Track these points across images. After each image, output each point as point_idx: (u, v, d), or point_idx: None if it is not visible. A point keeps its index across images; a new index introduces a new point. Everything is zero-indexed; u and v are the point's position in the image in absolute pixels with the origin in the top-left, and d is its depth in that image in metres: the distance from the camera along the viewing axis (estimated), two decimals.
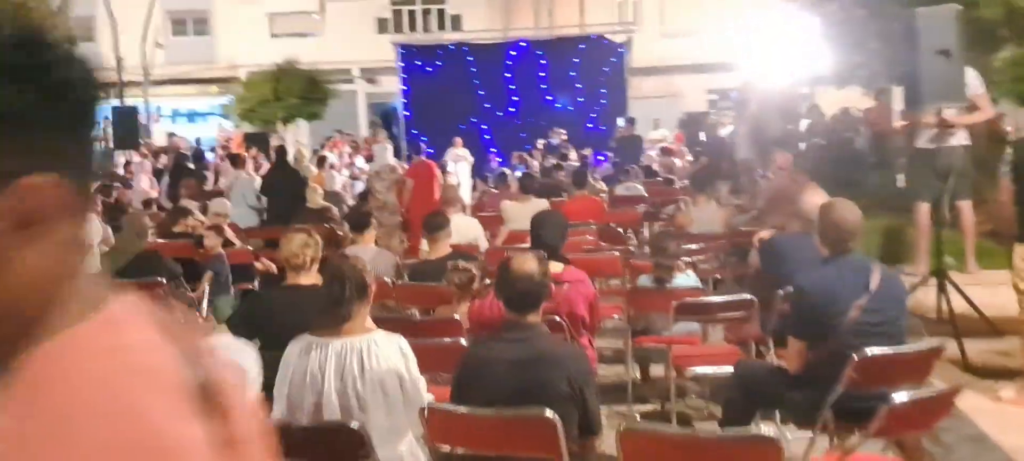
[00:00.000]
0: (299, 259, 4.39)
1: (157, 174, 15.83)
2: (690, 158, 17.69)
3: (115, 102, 22.01)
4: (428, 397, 3.37)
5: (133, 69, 31.36)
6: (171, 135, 21.15)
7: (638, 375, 6.38)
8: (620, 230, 9.24)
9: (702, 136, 17.53)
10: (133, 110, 17.48)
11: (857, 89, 15.22)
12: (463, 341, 4.06)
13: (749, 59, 18.00)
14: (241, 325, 4.26)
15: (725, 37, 30.60)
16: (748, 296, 5.29)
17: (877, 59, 14.58)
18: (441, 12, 33.95)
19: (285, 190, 11.43)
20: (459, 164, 20.06)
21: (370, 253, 6.15)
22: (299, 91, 26.68)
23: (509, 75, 22.74)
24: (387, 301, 6.04)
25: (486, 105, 22.75)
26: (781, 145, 10.73)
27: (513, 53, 23.04)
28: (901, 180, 12.68)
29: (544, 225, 4.78)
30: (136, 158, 17.07)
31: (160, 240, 9.16)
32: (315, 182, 13.00)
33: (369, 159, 15.95)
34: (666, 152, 18.25)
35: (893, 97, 15.86)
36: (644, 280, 5.92)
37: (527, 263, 3.18)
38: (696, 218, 8.36)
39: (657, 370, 6.30)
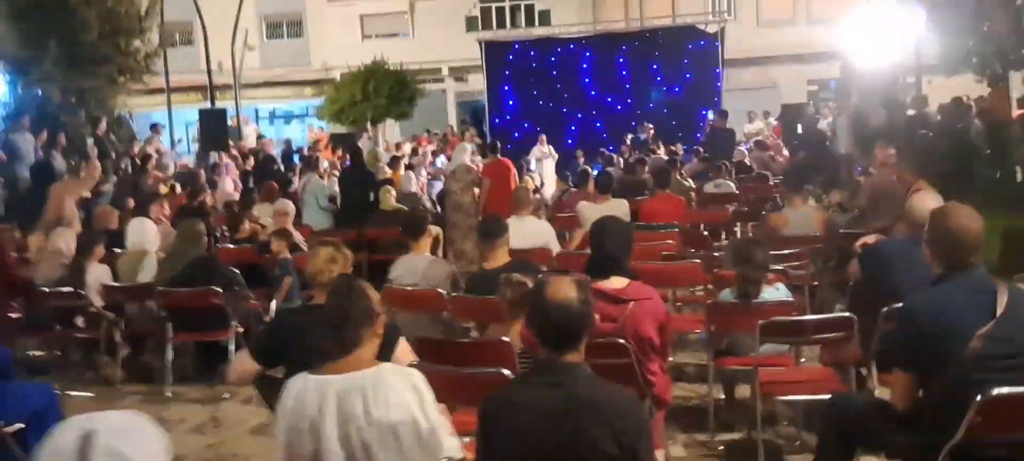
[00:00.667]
0: (325, 276, 3.95)
1: (245, 177, 15.84)
2: (787, 153, 16.72)
3: (205, 105, 22.41)
4: (453, 444, 2.85)
5: (229, 72, 32.14)
6: (260, 137, 21.23)
7: (722, 396, 5.75)
8: (706, 233, 8.55)
9: (799, 129, 16.52)
10: (221, 112, 17.62)
11: (969, 77, 14.07)
12: (506, 372, 3.53)
13: (851, 47, 16.93)
14: (264, 349, 3.84)
15: (825, 25, 29.33)
16: (846, 314, 4.61)
17: (991, 43, 13.45)
18: (529, 8, 33.62)
19: (358, 191, 11.13)
20: (544, 163, 19.58)
21: (423, 262, 5.70)
22: (388, 91, 26.73)
23: (596, 69, 22.10)
24: (442, 313, 5.58)
25: (573, 101, 22.16)
26: (884, 138, 9.83)
27: (601, 46, 22.37)
28: (1021, 174, 11.59)
29: (605, 233, 4.20)
30: (224, 160, 17.14)
31: (228, 245, 8.98)
32: (391, 183, 12.67)
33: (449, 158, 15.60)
34: (761, 146, 17.30)
35: (1011, 84, 14.70)
36: (726, 294, 5.27)
37: (564, 288, 2.62)
38: (791, 220, 7.62)
39: (744, 390, 5.66)
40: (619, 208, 8.98)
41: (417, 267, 5.68)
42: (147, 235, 7.20)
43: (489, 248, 5.38)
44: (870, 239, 5.13)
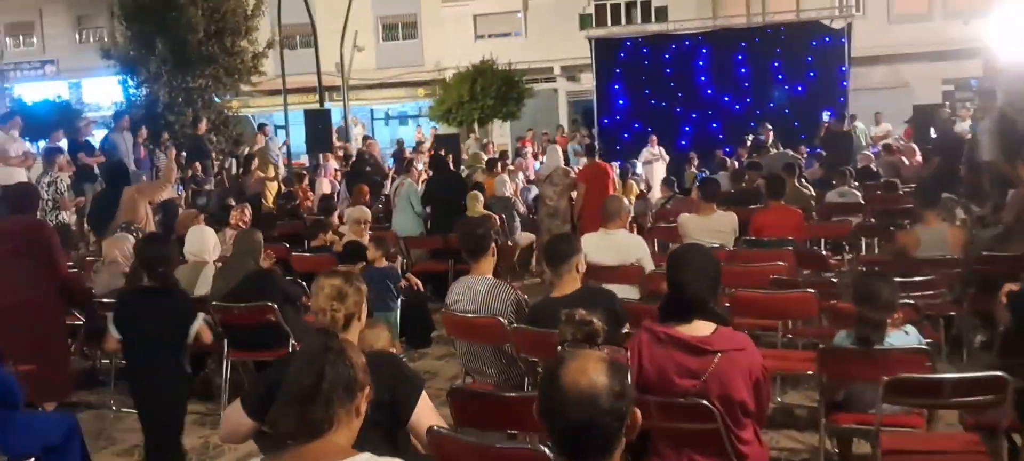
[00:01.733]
0: (327, 318, 3.28)
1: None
2: (920, 158, 15.26)
3: (311, 106, 22.50)
4: None
5: (354, 73, 32.43)
6: (366, 137, 21.05)
7: (836, 450, 4.84)
8: (826, 252, 7.53)
9: (933, 132, 15.01)
10: (325, 113, 17.46)
11: None
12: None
13: (995, 42, 15.31)
14: (256, 402, 3.20)
15: (963, 18, 27.20)
16: (996, 374, 3.65)
17: None
18: (646, 4, 32.60)
19: (445, 196, 10.55)
20: (653, 166, 18.61)
21: (485, 285, 4.99)
22: (495, 91, 26.34)
23: (713, 67, 20.89)
24: (504, 346, 4.87)
25: (687, 100, 21.02)
26: None
27: (718, 43, 21.15)
28: None
29: (683, 266, 3.39)
30: (325, 161, 16.96)
31: (306, 254, 8.53)
32: (486, 185, 12.07)
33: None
34: (889, 151, 15.86)
35: None
36: (843, 338, 4.35)
37: (589, 372, 1.85)
38: (923, 239, 6.57)
39: (864, 445, 4.73)
40: (726, 221, 8.09)
41: (477, 291, 4.98)
42: (207, 244, 6.77)
43: (555, 273, 4.63)
44: (1014, 287, 4.11)
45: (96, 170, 12.56)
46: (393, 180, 11.66)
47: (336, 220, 9.81)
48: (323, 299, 3.30)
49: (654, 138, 19.40)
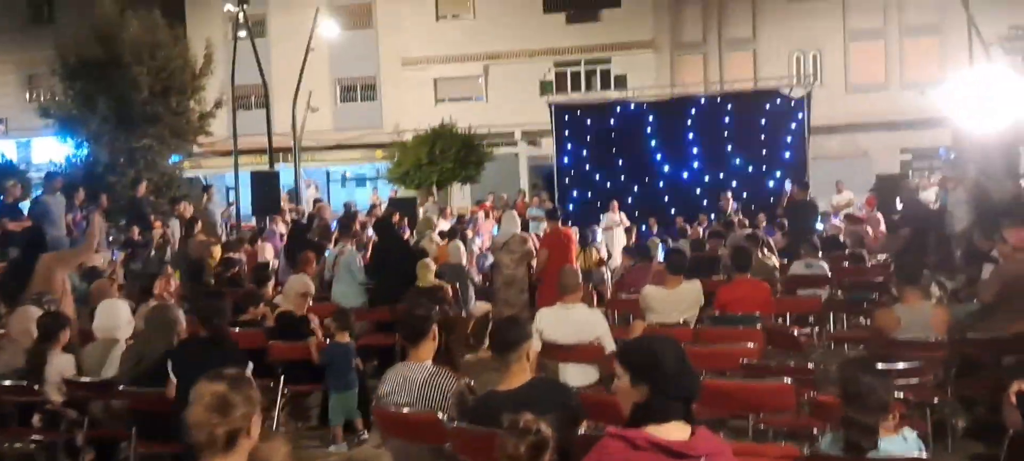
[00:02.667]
0: (204, 434, 2.62)
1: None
2: (883, 228, 15.00)
3: (281, 167, 21.88)
4: None
5: (310, 134, 31.85)
6: (316, 200, 20.38)
7: None
8: (796, 331, 7.03)
9: (899, 202, 14.77)
10: (272, 175, 16.82)
11: None
12: None
13: (957, 112, 15.25)
14: None
15: (919, 88, 27.51)
16: None
17: None
18: (606, 72, 32.78)
19: (392, 264, 9.91)
20: (613, 232, 18.16)
21: (423, 374, 4.36)
22: (455, 154, 25.93)
23: (670, 135, 20.69)
24: (443, 447, 4.23)
25: (644, 167, 20.76)
26: (1013, 216, 8.20)
27: (676, 111, 21.00)
28: None
29: (659, 361, 2.80)
30: (272, 225, 16.27)
31: (234, 330, 7.82)
32: (438, 253, 11.47)
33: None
34: (853, 220, 15.61)
35: None
36: (829, 442, 3.79)
37: None
38: (905, 321, 6.08)
39: None
40: (691, 294, 7.57)
41: (414, 380, 4.35)
42: (118, 319, 6.08)
43: (502, 362, 4.03)
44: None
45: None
46: (335, 244, 10.94)
47: (270, 291, 9.09)
48: (200, 411, 2.64)
49: (615, 203, 19.08)
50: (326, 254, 10.77)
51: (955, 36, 27.59)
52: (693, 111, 20.83)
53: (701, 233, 15.05)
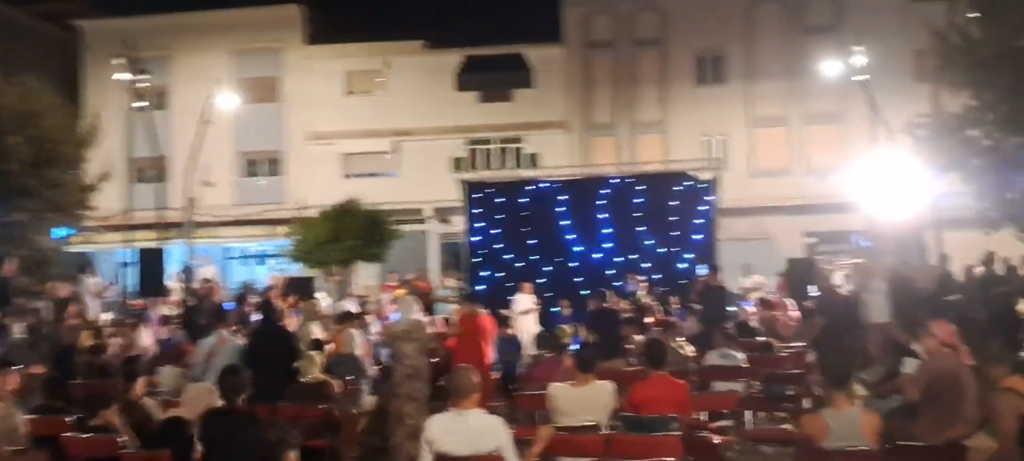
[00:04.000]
0: None
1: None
2: (796, 314, 14.74)
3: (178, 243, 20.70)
4: None
5: (209, 209, 30.51)
6: (205, 280, 19.17)
7: None
8: (712, 437, 6.42)
9: (812, 289, 14.57)
10: (156, 253, 15.67)
11: (1010, 230, 12.29)
12: None
13: (864, 199, 15.29)
14: None
15: (821, 174, 28.07)
16: None
17: None
18: (518, 151, 32.61)
19: (273, 357, 8.95)
20: (526, 317, 17.42)
21: None
22: (359, 231, 24.97)
23: (581, 215, 20.33)
24: None
25: (556, 247, 20.29)
26: (935, 309, 7.88)
27: (587, 191, 20.71)
28: None
29: None
30: (159, 309, 15.09)
31: (80, 435, 6.76)
32: (336, 340, 10.57)
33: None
34: (767, 305, 15.35)
35: None
36: None
37: None
38: (833, 428, 5.54)
39: None
40: (603, 394, 6.93)
41: None
42: None
43: None
44: None
45: None
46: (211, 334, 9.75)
47: (139, 387, 8.04)
48: None
49: (527, 285, 18.21)
50: (198, 344, 9.68)
51: (855, 124, 28.39)
52: (604, 191, 20.59)
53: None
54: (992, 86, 12.73)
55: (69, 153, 15.74)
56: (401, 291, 19.45)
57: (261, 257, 36.37)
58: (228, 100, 25.15)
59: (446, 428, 5.80)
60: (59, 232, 18.31)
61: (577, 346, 8.89)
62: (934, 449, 5.38)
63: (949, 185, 13.93)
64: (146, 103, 19.13)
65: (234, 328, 10.49)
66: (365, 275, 28.70)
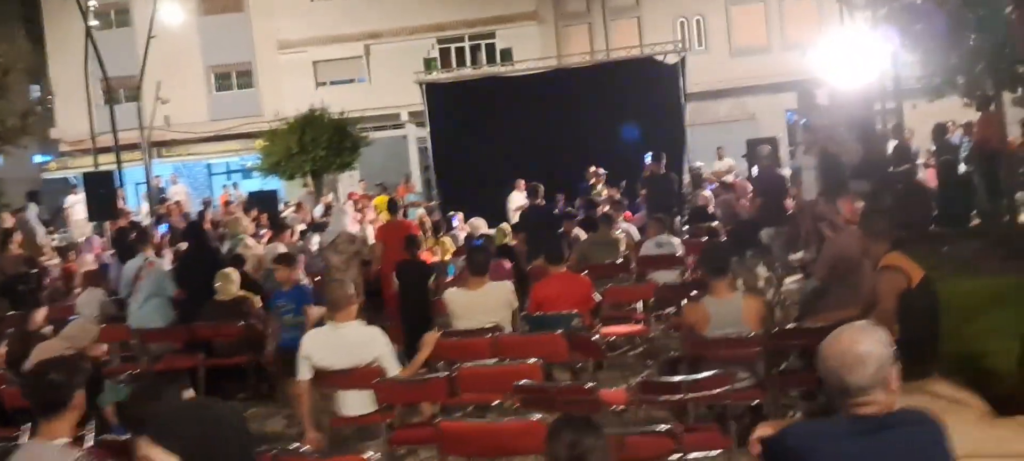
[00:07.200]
0: None
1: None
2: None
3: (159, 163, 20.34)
4: None
5: (184, 127, 30.04)
6: (163, 199, 18.90)
7: None
8: (603, 340, 6.23)
9: (755, 170, 14.26)
10: (106, 176, 15.36)
11: (955, 100, 11.95)
12: None
13: (824, 72, 14.85)
14: None
15: (801, 49, 27.41)
16: None
17: (980, 58, 11.31)
18: (491, 47, 31.83)
19: (199, 275, 8.77)
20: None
21: (52, 456, 3.37)
22: (327, 141, 24.57)
23: (547, 108, 19.80)
24: None
25: (523, 142, 19.80)
26: (859, 182, 7.63)
27: (551, 84, 20.20)
28: None
29: None
30: (92, 236, 14.81)
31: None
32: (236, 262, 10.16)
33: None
34: (725, 188, 15.05)
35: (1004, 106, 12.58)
36: None
37: None
38: (714, 315, 5.36)
39: None
40: (499, 295, 6.73)
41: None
42: None
43: None
44: (767, 431, 2.82)
45: None
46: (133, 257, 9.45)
47: (41, 317, 7.81)
48: None
49: (521, 182, 17.43)
50: (124, 267, 9.45)
51: None
52: (570, 83, 20.06)
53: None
54: None
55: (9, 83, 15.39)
56: (381, 199, 19.10)
57: (247, 172, 36.10)
58: (173, 13, 24.33)
59: (322, 342, 5.64)
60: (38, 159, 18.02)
61: (468, 250, 8.64)
62: (811, 331, 5.19)
63: (927, 52, 13.45)
64: (96, 23, 18.56)
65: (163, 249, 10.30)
66: (348, 185, 28.41)
